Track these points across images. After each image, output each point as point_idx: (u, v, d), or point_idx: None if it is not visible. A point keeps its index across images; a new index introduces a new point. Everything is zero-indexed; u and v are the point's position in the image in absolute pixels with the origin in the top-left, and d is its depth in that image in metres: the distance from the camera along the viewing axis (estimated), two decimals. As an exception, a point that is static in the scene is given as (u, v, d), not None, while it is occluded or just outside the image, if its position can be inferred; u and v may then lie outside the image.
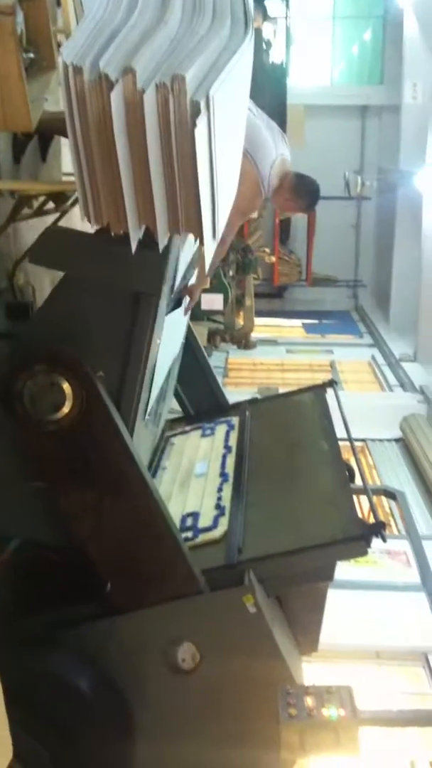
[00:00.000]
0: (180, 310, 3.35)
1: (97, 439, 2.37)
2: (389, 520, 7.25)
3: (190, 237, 2.55)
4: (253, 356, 12.52)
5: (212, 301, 10.30)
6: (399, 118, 14.76)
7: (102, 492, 2.42)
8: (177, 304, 3.25)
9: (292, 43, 15.82)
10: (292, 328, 15.70)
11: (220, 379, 5.56)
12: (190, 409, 4.36)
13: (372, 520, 2.66)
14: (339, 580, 2.85)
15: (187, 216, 2.56)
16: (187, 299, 3.40)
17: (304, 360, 12.67)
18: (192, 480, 3.40)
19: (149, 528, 2.49)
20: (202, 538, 2.92)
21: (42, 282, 5.28)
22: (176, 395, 4.27)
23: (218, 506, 3.09)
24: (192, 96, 2.33)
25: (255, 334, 12.69)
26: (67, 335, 2.37)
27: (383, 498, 7.54)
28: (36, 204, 4.48)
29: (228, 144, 2.76)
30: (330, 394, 3.97)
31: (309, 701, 2.41)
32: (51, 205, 4.53)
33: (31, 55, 3.33)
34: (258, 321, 12.86)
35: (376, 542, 2.64)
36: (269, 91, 13.36)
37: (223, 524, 2.95)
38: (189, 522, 3.04)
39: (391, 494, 7.50)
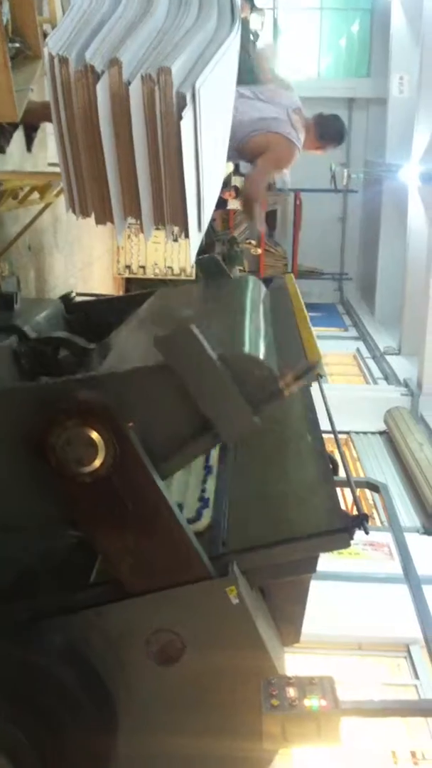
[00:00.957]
0: None
1: (132, 486, 2.40)
2: (372, 512, 7.29)
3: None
4: (238, 348, 12.47)
5: (198, 293, 10.28)
6: (386, 112, 14.78)
7: (138, 532, 2.47)
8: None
9: (279, 35, 15.80)
10: (277, 320, 15.70)
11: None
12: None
13: (355, 512, 2.67)
14: (322, 572, 2.86)
15: (172, 208, 2.57)
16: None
17: (289, 352, 12.68)
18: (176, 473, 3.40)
19: (183, 563, 2.53)
20: (186, 529, 2.93)
21: (26, 272, 5.27)
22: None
23: (202, 498, 3.09)
24: (178, 88, 2.33)
25: (241, 326, 12.65)
26: (122, 407, 2.35)
27: (366, 490, 7.58)
28: (21, 194, 4.46)
29: (214, 136, 2.76)
30: (314, 386, 3.97)
31: (291, 692, 2.42)
32: (36, 195, 4.52)
33: (17, 44, 3.32)
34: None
35: (359, 534, 2.65)
36: (255, 82, 13.32)
37: (207, 516, 2.95)
38: (173, 514, 3.04)
39: (374, 486, 7.52)
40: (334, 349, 13.27)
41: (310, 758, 4.05)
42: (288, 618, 3.07)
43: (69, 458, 2.34)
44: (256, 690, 2.46)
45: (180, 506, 3.04)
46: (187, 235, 2.64)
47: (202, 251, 3.44)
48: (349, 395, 10.12)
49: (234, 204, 11.93)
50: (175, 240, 2.94)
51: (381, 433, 9.77)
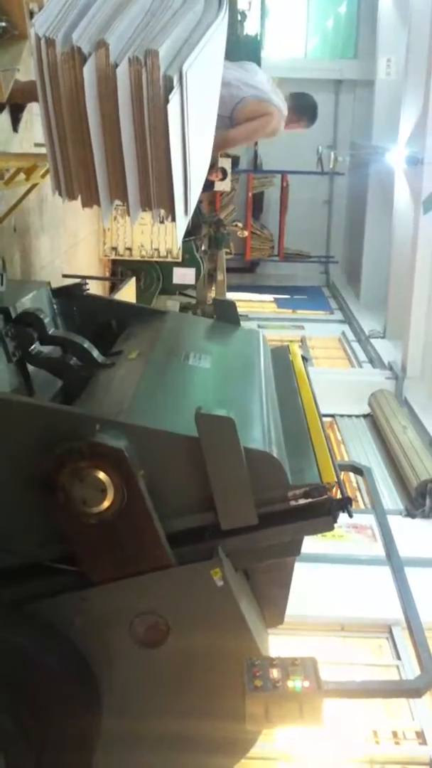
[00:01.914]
0: None
1: (134, 530, 2.46)
2: (356, 495, 7.33)
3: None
4: (224, 330, 12.47)
5: (184, 276, 10.28)
6: (373, 94, 14.72)
7: (132, 567, 2.55)
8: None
9: (266, 15, 15.68)
10: (263, 302, 15.71)
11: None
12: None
13: (339, 495, 2.69)
14: (306, 554, 2.89)
15: (159, 191, 2.56)
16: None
17: (275, 335, 12.71)
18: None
19: None
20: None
21: (12, 253, 5.24)
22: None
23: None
24: (165, 71, 2.32)
25: (227, 309, 12.63)
26: (139, 460, 2.40)
27: (350, 473, 7.62)
28: (7, 176, 4.43)
29: (201, 119, 2.75)
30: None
31: (274, 673, 2.45)
32: (22, 176, 4.49)
33: (3, 24, 3.29)
34: (230, 295, 12.83)
35: (342, 517, 2.67)
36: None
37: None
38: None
39: (358, 470, 7.55)
40: (319, 333, 13.29)
41: (293, 738, 4.10)
42: (272, 600, 3.10)
43: (77, 497, 2.38)
44: (240, 671, 2.49)
45: None
46: (173, 219, 2.63)
47: (188, 233, 3.43)
48: (334, 379, 10.15)
49: (221, 186, 11.89)
50: (162, 222, 2.94)
51: (365, 416, 9.80)
